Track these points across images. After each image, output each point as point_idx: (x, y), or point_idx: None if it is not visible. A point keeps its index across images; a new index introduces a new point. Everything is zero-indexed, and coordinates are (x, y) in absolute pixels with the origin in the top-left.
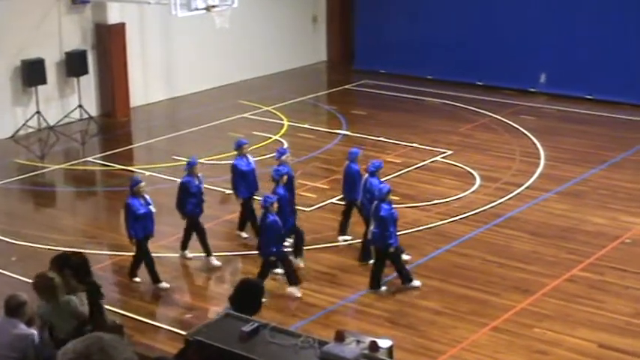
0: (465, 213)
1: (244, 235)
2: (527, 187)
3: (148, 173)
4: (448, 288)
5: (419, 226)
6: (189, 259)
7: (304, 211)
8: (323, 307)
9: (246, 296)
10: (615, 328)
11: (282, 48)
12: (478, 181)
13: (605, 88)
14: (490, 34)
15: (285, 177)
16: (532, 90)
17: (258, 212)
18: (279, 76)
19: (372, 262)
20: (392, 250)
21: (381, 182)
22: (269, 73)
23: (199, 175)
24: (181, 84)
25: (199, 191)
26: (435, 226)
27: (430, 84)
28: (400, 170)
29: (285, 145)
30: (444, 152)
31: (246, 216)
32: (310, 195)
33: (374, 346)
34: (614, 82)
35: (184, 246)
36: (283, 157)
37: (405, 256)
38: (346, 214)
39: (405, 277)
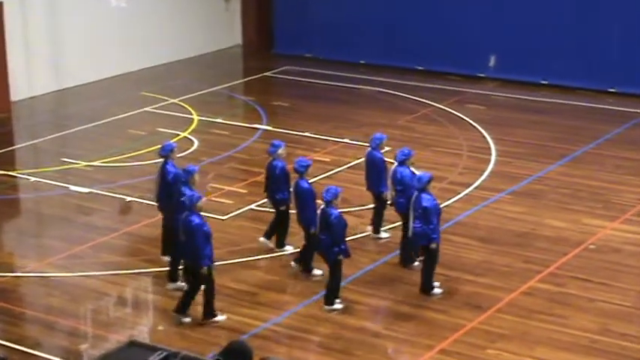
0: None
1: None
2: (476, 187)
3: (33, 179)
4: (389, 306)
5: (352, 235)
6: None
7: (219, 219)
8: (244, 331)
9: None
10: (579, 346)
11: (190, 30)
12: None
13: (563, 72)
14: (431, 12)
15: (310, 169)
16: (480, 75)
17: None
18: (187, 62)
19: (416, 263)
20: (434, 246)
21: (412, 172)
22: (175, 59)
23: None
24: (72, 73)
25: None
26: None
27: (363, 70)
28: (330, 170)
29: (219, 143)
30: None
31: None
32: (226, 201)
33: None
34: (572, 66)
35: (174, 276)
36: (279, 151)
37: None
38: (378, 210)
39: (428, 287)
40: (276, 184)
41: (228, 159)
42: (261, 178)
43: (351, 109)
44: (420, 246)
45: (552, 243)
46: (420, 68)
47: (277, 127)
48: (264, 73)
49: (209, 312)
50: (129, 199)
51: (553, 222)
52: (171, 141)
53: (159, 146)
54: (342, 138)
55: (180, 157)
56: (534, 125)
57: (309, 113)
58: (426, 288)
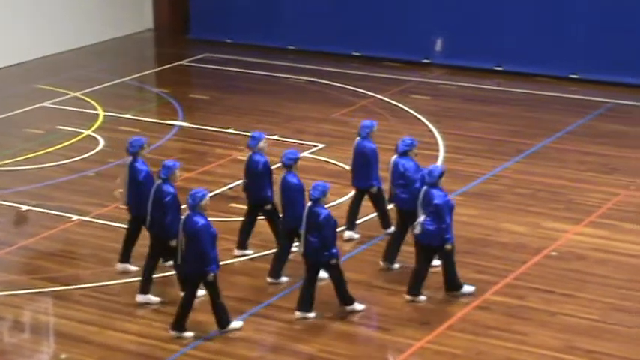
0: (343, 225)
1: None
2: None
3: None
4: (325, 324)
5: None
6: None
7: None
8: (160, 357)
9: None
10: None
11: (93, 13)
12: None
13: (519, 57)
14: None
15: (298, 162)
16: (425, 61)
17: None
18: (91, 50)
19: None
20: (449, 247)
21: (417, 164)
22: (77, 46)
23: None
24: None
25: (178, 205)
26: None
27: (292, 56)
28: None
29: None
30: (313, 146)
31: (129, 239)
32: None
33: None
34: (529, 50)
35: (147, 287)
36: (260, 145)
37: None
38: (354, 206)
39: (455, 284)
40: (258, 181)
41: None
42: (178, 183)
43: (279, 102)
44: (431, 248)
45: (509, 250)
46: (357, 54)
47: (195, 123)
48: (179, 62)
49: (225, 321)
50: (25, 208)
51: (510, 226)
52: (140, 136)
53: (58, 147)
54: (270, 135)
55: (83, 158)
56: (487, 117)
57: (231, 107)
58: (455, 285)
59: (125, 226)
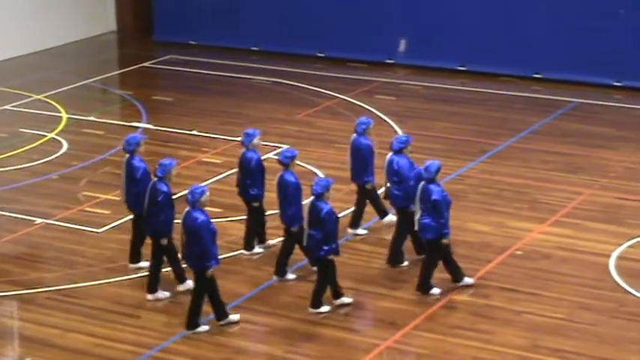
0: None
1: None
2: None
3: None
4: (291, 326)
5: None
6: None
7: (94, 232)
8: None
9: None
10: None
11: (56, 15)
12: None
13: (482, 57)
14: None
15: (296, 161)
16: (389, 61)
17: None
18: (53, 52)
19: (405, 263)
20: (446, 241)
21: (410, 161)
22: (39, 49)
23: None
24: None
25: (172, 203)
26: (270, 245)
27: (256, 57)
28: (221, 173)
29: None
30: (278, 147)
31: (136, 239)
32: (101, 211)
33: None
34: (492, 49)
35: (153, 283)
36: (254, 141)
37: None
38: (359, 204)
39: (458, 274)
40: (251, 178)
41: (103, 162)
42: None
43: (244, 103)
44: (426, 241)
45: (474, 249)
46: (321, 55)
47: (160, 125)
48: (143, 64)
49: (223, 313)
50: None
51: (475, 226)
52: (136, 133)
53: (21, 150)
54: (235, 136)
55: (46, 161)
56: (452, 117)
57: (196, 108)
58: (425, 287)
59: (95, 230)
